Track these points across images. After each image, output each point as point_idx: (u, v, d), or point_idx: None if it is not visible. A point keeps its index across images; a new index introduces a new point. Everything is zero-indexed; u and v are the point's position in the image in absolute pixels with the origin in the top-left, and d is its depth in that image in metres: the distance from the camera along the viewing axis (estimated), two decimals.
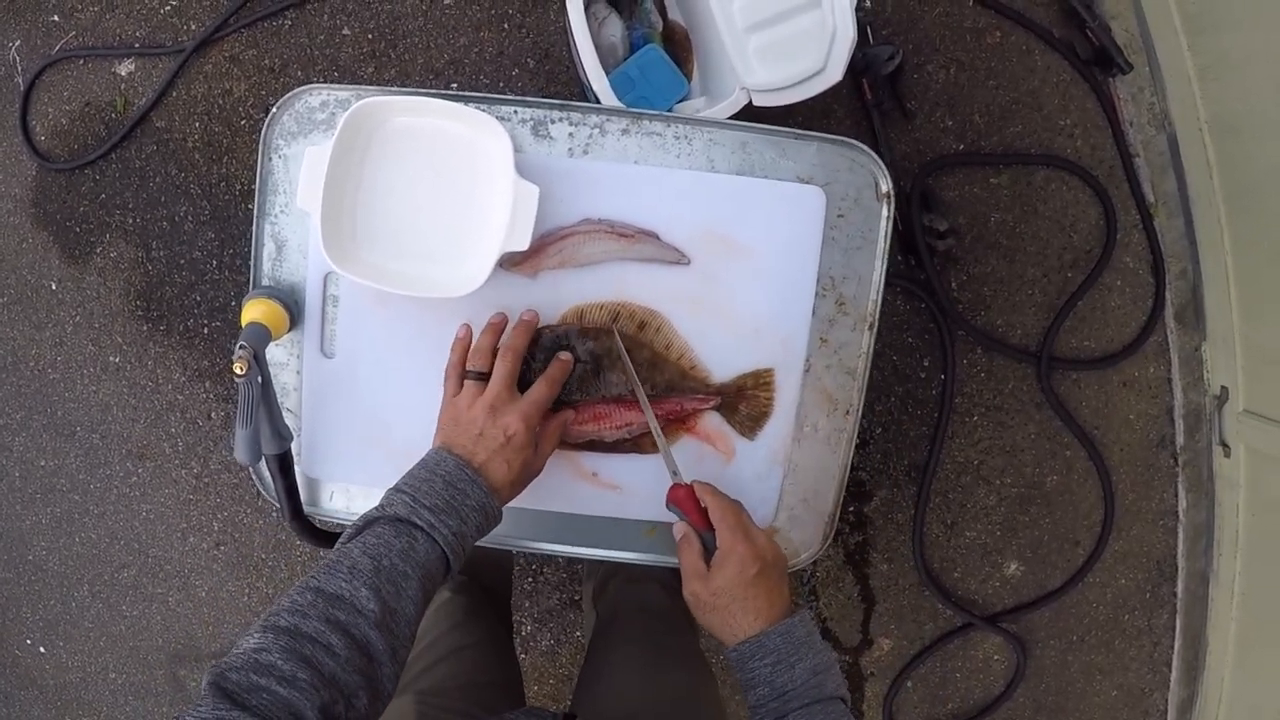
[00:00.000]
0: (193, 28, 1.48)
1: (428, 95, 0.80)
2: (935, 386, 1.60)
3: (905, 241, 1.53)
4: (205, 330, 1.61)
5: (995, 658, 1.72)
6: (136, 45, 1.50)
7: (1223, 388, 1.54)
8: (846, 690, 0.73)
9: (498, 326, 0.84)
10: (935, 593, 1.66)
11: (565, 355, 0.84)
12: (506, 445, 0.75)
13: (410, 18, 1.46)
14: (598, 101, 1.11)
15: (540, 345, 0.84)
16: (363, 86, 0.85)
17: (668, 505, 0.83)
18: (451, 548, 0.70)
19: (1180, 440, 1.61)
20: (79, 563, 1.79)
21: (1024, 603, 1.68)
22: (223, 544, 1.74)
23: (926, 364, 1.59)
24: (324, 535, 0.90)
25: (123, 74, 1.51)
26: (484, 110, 0.81)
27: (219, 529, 1.73)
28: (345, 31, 1.47)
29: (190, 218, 1.56)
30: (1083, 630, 1.71)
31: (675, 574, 1.24)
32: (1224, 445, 1.55)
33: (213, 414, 1.66)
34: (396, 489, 0.72)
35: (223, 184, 1.54)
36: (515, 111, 0.85)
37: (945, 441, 1.61)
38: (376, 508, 0.71)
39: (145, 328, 1.62)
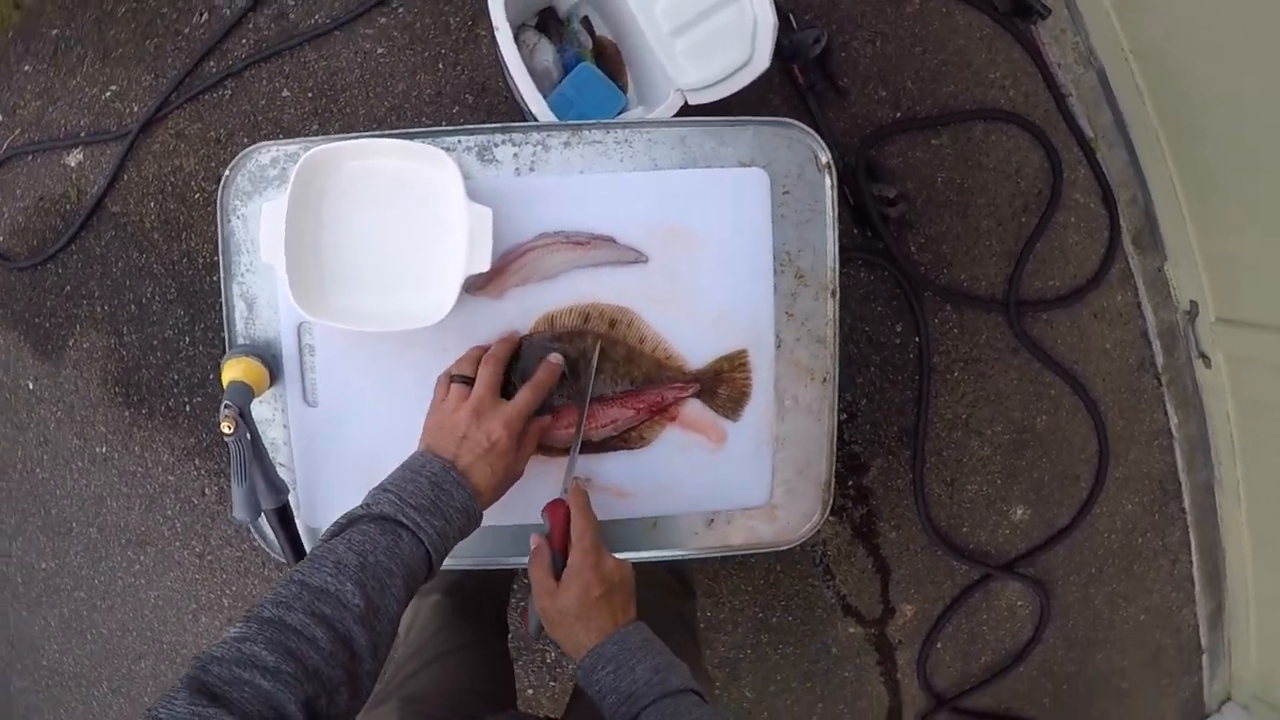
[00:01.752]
0: (135, 110, 1.60)
1: (373, 136, 0.87)
2: (911, 350, 1.72)
3: (858, 214, 1.66)
4: (187, 408, 1.71)
5: (1019, 604, 1.84)
6: (82, 134, 1.61)
7: (1192, 302, 1.68)
8: (697, 684, 0.79)
9: (486, 345, 0.90)
10: (947, 551, 1.78)
11: (555, 358, 0.90)
12: (490, 450, 0.80)
13: (347, 71, 1.59)
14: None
15: (515, 354, 0.90)
16: (310, 139, 0.91)
17: (541, 515, 0.89)
18: (435, 548, 0.74)
19: (1160, 360, 1.74)
20: (94, 660, 1.87)
21: (1036, 545, 1.80)
22: (235, 619, 1.83)
23: (899, 329, 1.72)
24: None
25: (72, 164, 1.62)
26: (429, 143, 0.89)
27: (229, 604, 1.82)
28: (285, 93, 1.59)
29: (158, 298, 1.66)
30: (1099, 561, 1.83)
31: (676, 576, 1.35)
32: (1203, 357, 1.69)
33: (206, 490, 1.76)
34: (382, 488, 0.76)
35: (185, 260, 1.64)
36: (459, 140, 0.92)
37: (930, 402, 1.73)
38: (361, 506, 0.75)
39: (127, 414, 1.72)
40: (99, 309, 1.67)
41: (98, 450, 1.74)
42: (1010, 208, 1.69)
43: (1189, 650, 1.91)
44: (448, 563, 0.93)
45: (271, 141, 0.93)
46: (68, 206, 1.64)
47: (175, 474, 1.75)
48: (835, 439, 1.01)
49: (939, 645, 1.84)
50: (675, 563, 1.36)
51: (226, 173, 0.92)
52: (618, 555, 0.97)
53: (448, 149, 0.91)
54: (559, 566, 0.85)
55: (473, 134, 0.93)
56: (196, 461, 1.74)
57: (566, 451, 0.94)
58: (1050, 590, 1.82)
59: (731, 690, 1.86)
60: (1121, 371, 1.75)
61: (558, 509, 0.87)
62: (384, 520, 0.73)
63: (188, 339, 1.67)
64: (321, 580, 0.66)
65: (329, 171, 0.88)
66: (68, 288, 1.67)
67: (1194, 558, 1.84)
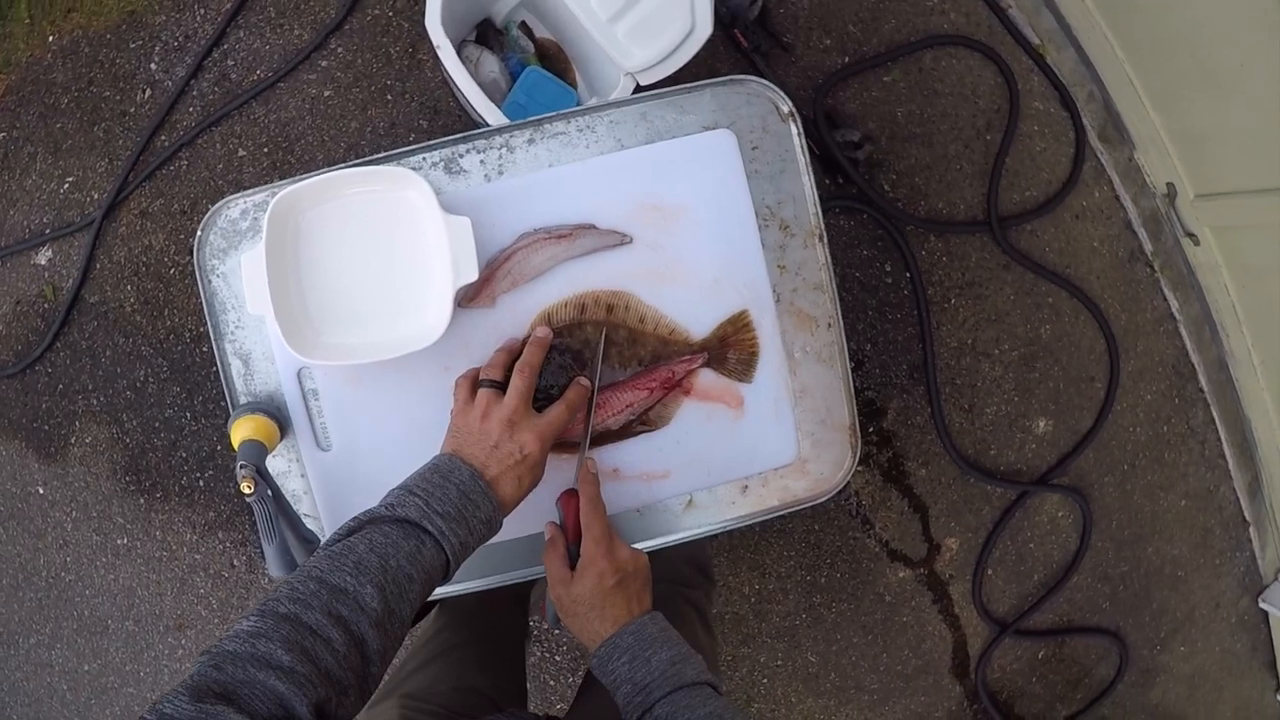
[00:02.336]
0: (95, 197, 1.63)
1: (339, 169, 0.89)
2: (904, 286, 1.77)
3: (827, 164, 1.71)
4: (201, 483, 1.74)
5: (1060, 515, 1.89)
6: (47, 231, 1.64)
7: (1168, 184, 1.73)
8: (712, 676, 0.81)
9: (512, 346, 0.91)
10: (979, 476, 1.82)
11: (584, 381, 0.91)
12: (520, 463, 0.80)
13: (298, 120, 1.62)
14: None
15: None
16: (275, 184, 0.93)
17: (556, 505, 0.91)
18: (456, 556, 0.74)
19: (1149, 247, 1.79)
20: None
21: (1065, 453, 1.85)
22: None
23: (889, 269, 1.76)
24: None
25: (43, 262, 1.66)
26: (395, 166, 0.91)
27: None
28: (241, 153, 1.62)
29: (151, 380, 1.69)
30: (1130, 457, 1.88)
31: (696, 565, 1.37)
32: (1190, 236, 1.74)
33: (235, 562, 1.79)
34: (408, 490, 0.75)
35: (172, 337, 1.68)
36: (424, 158, 0.94)
37: (934, 334, 1.77)
38: (384, 506, 0.74)
39: (142, 500, 1.75)
40: (95, 401, 1.70)
41: (119, 542, 1.77)
42: (974, 128, 1.74)
43: (1235, 526, 1.96)
44: (471, 584, 0.97)
45: (238, 194, 0.94)
46: (45, 305, 1.67)
47: (201, 551, 1.78)
48: (851, 381, 1.03)
49: (990, 572, 1.89)
50: (695, 549, 1.39)
51: (199, 233, 0.94)
52: (658, 541, 1.00)
53: (415, 169, 0.93)
54: (574, 556, 0.87)
55: (436, 149, 0.95)
56: (220, 535, 1.77)
57: (594, 444, 0.95)
58: (1088, 495, 1.87)
59: (794, 658, 1.90)
60: (1114, 266, 1.81)
61: (571, 499, 0.89)
62: (408, 524, 0.73)
63: (189, 414, 1.71)
64: (341, 580, 0.66)
65: (301, 210, 0.89)
66: (60, 386, 1.70)
67: (1221, 434, 1.89)
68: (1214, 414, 1.88)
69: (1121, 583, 1.94)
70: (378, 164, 0.93)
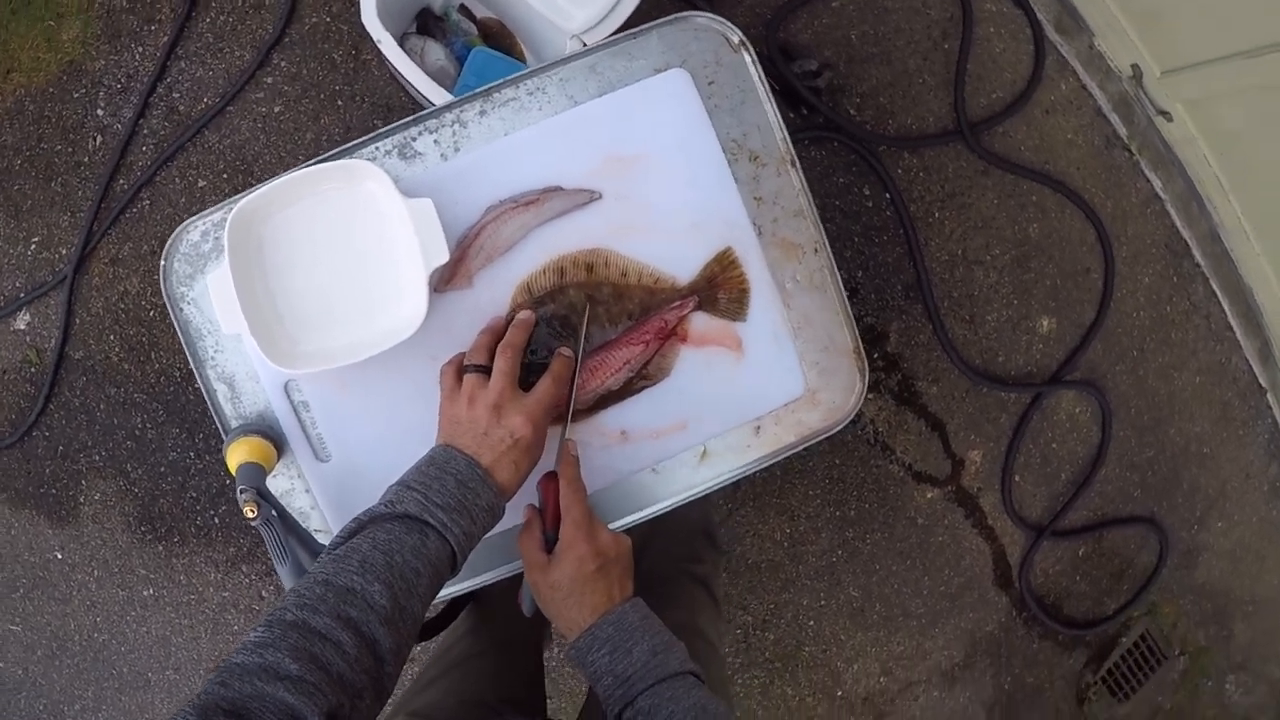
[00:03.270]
0: (64, 252, 1.65)
1: (292, 172, 0.88)
2: (886, 208, 1.79)
3: (789, 97, 1.73)
4: (216, 520, 1.77)
5: (1077, 411, 1.92)
6: (21, 294, 1.67)
7: (1133, 66, 1.75)
8: (695, 665, 0.80)
9: (495, 327, 0.90)
10: (991, 385, 1.86)
11: (567, 351, 0.91)
12: (514, 447, 0.80)
13: (252, 140, 1.64)
14: None
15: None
16: (230, 200, 0.91)
17: (536, 488, 0.89)
18: (461, 547, 0.74)
19: (1123, 131, 1.82)
20: None
21: (1074, 348, 1.89)
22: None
23: (867, 192, 1.78)
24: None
25: (22, 327, 1.68)
26: (349, 159, 0.91)
27: None
28: (201, 183, 1.64)
29: (149, 425, 1.72)
30: (1138, 342, 1.92)
31: (706, 536, 1.36)
32: (1162, 114, 1.76)
33: (264, 593, 1.82)
34: (405, 485, 0.76)
35: (162, 379, 1.70)
36: (377, 148, 0.94)
37: (923, 250, 1.80)
38: (383, 504, 0.74)
39: (161, 548, 1.78)
40: (97, 457, 1.73)
41: (145, 593, 1.80)
42: (930, 39, 1.76)
43: (1252, 394, 2.01)
44: (483, 576, 0.96)
45: (195, 216, 0.93)
46: (32, 370, 1.70)
47: (228, 589, 1.81)
48: (847, 304, 1.03)
49: (1017, 478, 1.93)
50: (703, 518, 1.40)
51: (163, 263, 0.93)
52: (677, 498, 0.99)
53: (369, 160, 0.93)
54: (552, 542, 0.85)
55: (388, 136, 0.94)
56: (244, 569, 1.80)
57: (584, 415, 0.95)
58: (1102, 386, 1.90)
59: (837, 595, 1.94)
60: (1092, 155, 1.83)
61: (550, 482, 0.87)
62: (409, 519, 0.73)
63: (192, 454, 1.73)
64: (348, 580, 0.66)
65: (261, 221, 0.89)
66: (60, 448, 1.73)
67: (1224, 304, 1.93)
68: (1214, 286, 1.92)
69: (1149, 469, 1.98)
70: (332, 160, 0.92)
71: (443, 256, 0.87)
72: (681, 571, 1.23)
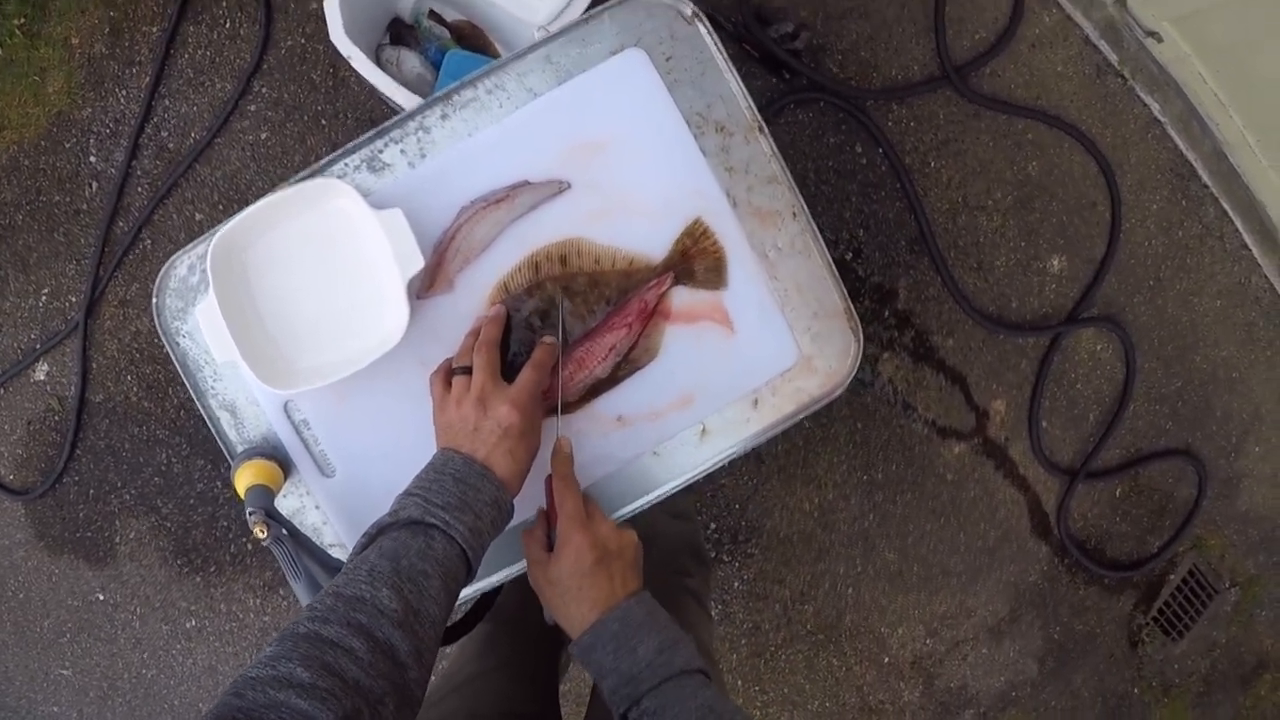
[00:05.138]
0: (74, 300, 1.74)
1: (265, 198, 0.92)
2: (881, 163, 1.81)
3: (769, 62, 1.76)
4: (249, 546, 1.85)
5: (1099, 348, 1.94)
6: (37, 346, 1.76)
7: None
8: (702, 662, 0.80)
9: (478, 328, 0.93)
10: (1008, 331, 1.87)
11: (549, 339, 0.94)
12: (505, 436, 0.82)
13: (243, 169, 1.71)
14: None
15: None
16: (209, 233, 0.95)
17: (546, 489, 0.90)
18: (469, 544, 0.76)
19: (1114, 57, 1.82)
20: None
21: (1088, 284, 1.90)
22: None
23: (860, 149, 1.81)
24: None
25: (42, 378, 1.77)
26: (319, 179, 0.95)
27: None
28: (199, 217, 1.72)
29: (175, 460, 1.80)
30: (1152, 271, 1.92)
31: (689, 551, 1.36)
32: (1152, 34, 1.76)
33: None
34: (407, 493, 0.78)
35: (183, 413, 1.78)
36: (345, 164, 0.98)
37: (923, 201, 1.82)
38: (388, 514, 0.77)
39: (199, 579, 1.86)
40: (128, 496, 1.82)
41: (188, 625, 1.88)
42: None
43: (1275, 312, 2.00)
44: (507, 570, 0.98)
45: (180, 251, 0.98)
46: (55, 418, 1.79)
47: (268, 613, 1.89)
48: (833, 266, 1.04)
49: (1045, 424, 1.94)
50: (689, 535, 1.43)
51: (154, 300, 0.98)
52: (683, 479, 1.01)
53: (339, 177, 0.97)
54: (554, 540, 0.86)
55: (353, 152, 0.98)
56: (281, 591, 1.88)
57: (580, 404, 0.97)
58: (1121, 320, 1.91)
59: (873, 560, 1.97)
60: (1084, 86, 1.84)
61: (550, 480, 0.89)
62: (413, 524, 0.75)
63: (219, 483, 1.80)
64: (356, 589, 0.68)
65: (242, 248, 0.93)
66: (91, 491, 1.81)
67: (1237, 223, 1.93)
68: (1225, 206, 1.92)
69: (1179, 399, 1.99)
70: (301, 182, 0.96)
71: (418, 264, 0.91)
72: (673, 584, 1.24)
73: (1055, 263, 1.88)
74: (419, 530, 0.75)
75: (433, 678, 1.05)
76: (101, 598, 1.87)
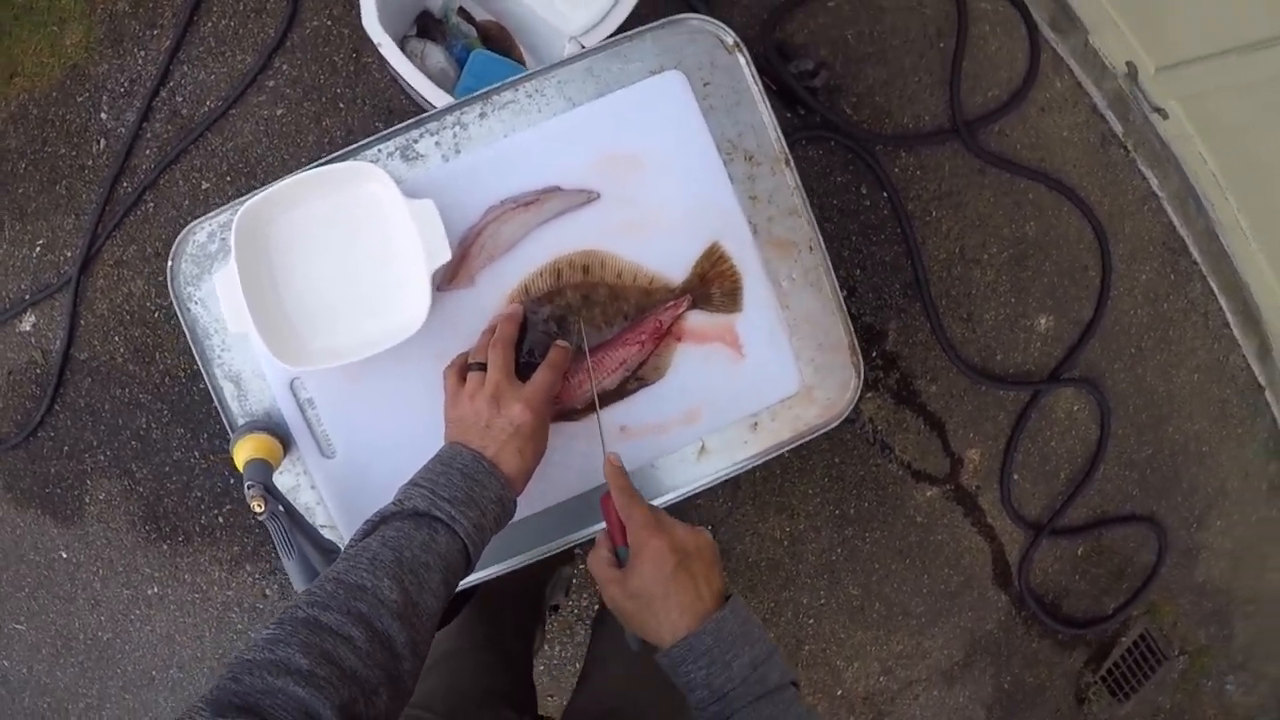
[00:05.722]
0: (69, 255, 1.69)
1: (297, 174, 0.91)
2: (884, 206, 1.81)
3: (786, 97, 1.76)
4: (220, 519, 1.80)
5: (1076, 409, 1.95)
6: (27, 297, 1.70)
7: (1128, 63, 1.77)
8: (794, 673, 0.77)
9: (493, 327, 0.93)
10: (990, 383, 1.88)
11: (563, 343, 0.94)
12: (515, 435, 0.82)
13: (255, 143, 1.67)
14: None
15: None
16: (236, 202, 0.95)
17: (601, 510, 0.87)
18: (472, 540, 0.76)
19: (1119, 129, 1.84)
20: None
21: (1071, 346, 1.91)
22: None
23: (865, 191, 1.81)
24: None
25: (27, 329, 1.72)
26: (354, 161, 0.94)
27: None
28: (205, 186, 1.68)
29: (154, 426, 1.75)
30: (1136, 340, 1.94)
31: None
32: (1158, 110, 1.78)
33: (267, 591, 1.85)
34: (413, 483, 0.78)
35: (167, 379, 1.73)
36: (379, 150, 0.97)
37: (920, 248, 1.82)
38: (393, 503, 0.76)
39: (165, 547, 1.81)
40: (102, 457, 1.76)
41: (150, 592, 1.83)
42: (925, 38, 1.78)
43: (1250, 392, 2.03)
44: (496, 567, 0.98)
45: (201, 218, 0.97)
46: (38, 371, 1.73)
47: (232, 588, 1.84)
48: (843, 301, 1.05)
49: (1015, 477, 1.95)
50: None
51: (170, 264, 0.97)
52: (678, 493, 1.01)
53: (372, 161, 0.97)
54: (624, 559, 0.82)
55: (390, 138, 0.98)
56: (248, 568, 1.83)
57: (585, 413, 0.97)
58: (1100, 384, 1.93)
59: (837, 594, 1.96)
60: (1088, 153, 1.85)
61: (608, 500, 0.85)
62: (418, 515, 0.75)
63: (197, 454, 1.76)
64: (358, 577, 0.67)
65: (267, 221, 0.92)
66: (65, 448, 1.76)
67: (1222, 303, 1.95)
68: (1211, 284, 1.94)
69: (1148, 467, 2.01)
70: (336, 162, 0.95)
71: (445, 256, 0.90)
72: None
73: (1043, 321, 1.89)
74: (424, 522, 0.74)
75: None
76: (65, 556, 1.81)
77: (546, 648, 1.92)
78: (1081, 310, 1.90)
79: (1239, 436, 2.04)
